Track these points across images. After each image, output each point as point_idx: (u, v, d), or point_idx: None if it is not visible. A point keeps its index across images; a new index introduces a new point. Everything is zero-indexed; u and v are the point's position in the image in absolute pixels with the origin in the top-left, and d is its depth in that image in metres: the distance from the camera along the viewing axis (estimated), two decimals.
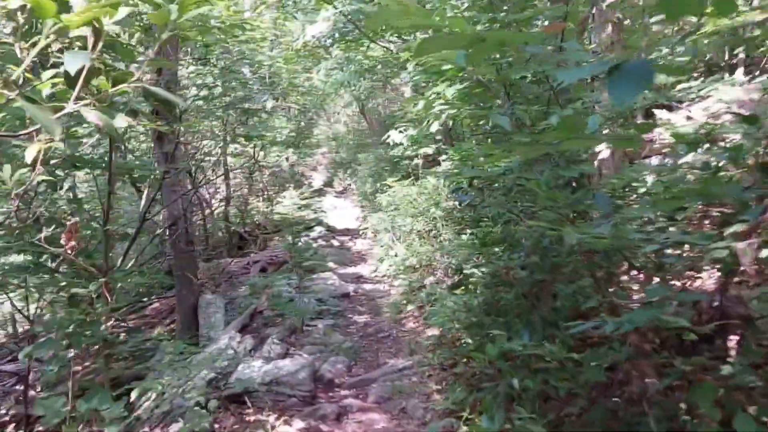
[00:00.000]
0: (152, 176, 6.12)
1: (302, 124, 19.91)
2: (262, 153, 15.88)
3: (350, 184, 22.00)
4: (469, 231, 4.68)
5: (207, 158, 13.19)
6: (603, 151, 5.09)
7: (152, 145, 11.70)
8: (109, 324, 4.78)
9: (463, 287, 3.72)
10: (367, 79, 14.72)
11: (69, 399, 3.42)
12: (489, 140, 5.98)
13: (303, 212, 16.28)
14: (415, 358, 5.55)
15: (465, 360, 3.96)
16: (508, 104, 3.54)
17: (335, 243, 12.32)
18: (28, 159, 1.89)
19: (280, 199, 17.01)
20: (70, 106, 1.79)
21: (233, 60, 8.89)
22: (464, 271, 3.72)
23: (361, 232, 12.75)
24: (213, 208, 12.21)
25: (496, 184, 3.62)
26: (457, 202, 6.62)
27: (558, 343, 2.65)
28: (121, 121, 2.02)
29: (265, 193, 15.64)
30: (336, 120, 25.92)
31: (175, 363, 5.23)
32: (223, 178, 12.68)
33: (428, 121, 7.40)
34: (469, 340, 4.40)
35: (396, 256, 8.85)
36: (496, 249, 3.85)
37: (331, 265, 9.78)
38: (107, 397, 3.21)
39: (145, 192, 7.40)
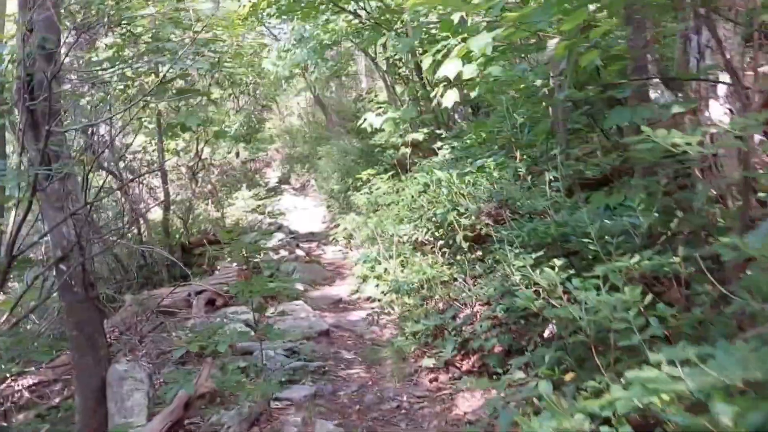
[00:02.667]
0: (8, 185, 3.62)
1: (253, 116, 17.26)
2: (208, 149, 13.25)
3: (309, 180, 19.48)
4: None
5: (134, 155, 10.51)
6: None
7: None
8: None
9: None
10: (326, 58, 12.18)
11: None
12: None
13: (259, 215, 13.75)
14: None
15: None
16: None
17: (300, 252, 9.86)
18: None
19: (233, 201, 14.41)
20: None
21: (156, 23, 6.32)
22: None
23: (331, 238, 10.31)
24: (147, 217, 9.56)
25: None
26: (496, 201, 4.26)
27: None
28: None
29: (215, 195, 12.99)
30: (289, 113, 23.26)
31: None
32: (159, 181, 10.02)
33: (437, 94, 5.06)
34: None
35: (386, 273, 6.51)
36: None
37: (299, 287, 7.35)
38: None
39: (13, 213, 4.80)
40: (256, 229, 11.84)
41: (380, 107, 7.71)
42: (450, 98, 4.71)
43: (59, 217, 4.16)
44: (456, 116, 9.81)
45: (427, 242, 5.80)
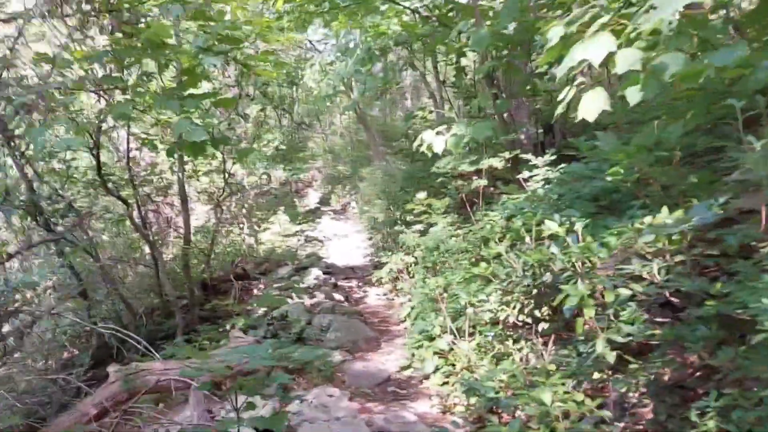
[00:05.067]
0: None
1: (295, 135, 15.56)
2: (243, 170, 11.52)
3: (350, 202, 17.63)
4: None
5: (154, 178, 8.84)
6: None
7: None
8: None
9: None
10: (372, 74, 10.24)
11: None
12: None
13: (294, 240, 11.89)
14: None
15: None
16: None
17: (338, 297, 7.89)
18: None
19: (268, 225, 12.62)
20: None
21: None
22: None
23: (375, 280, 8.31)
24: (160, 251, 7.77)
25: None
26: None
27: None
28: None
29: (248, 221, 11.19)
30: (332, 131, 21.53)
31: None
32: (179, 208, 8.26)
33: (565, 98, 3.01)
34: None
35: (452, 354, 4.46)
36: None
37: (336, 357, 5.35)
38: None
39: None
40: (291, 261, 9.95)
41: (444, 123, 5.70)
42: (592, 104, 2.65)
43: None
44: (522, 138, 7.73)
45: (520, 324, 3.73)
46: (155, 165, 10.28)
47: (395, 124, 17.43)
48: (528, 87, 6.65)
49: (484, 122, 5.29)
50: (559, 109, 2.81)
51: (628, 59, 2.53)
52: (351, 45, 10.57)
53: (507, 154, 5.27)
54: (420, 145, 5.65)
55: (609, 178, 3.04)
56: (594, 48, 2.52)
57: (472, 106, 6.72)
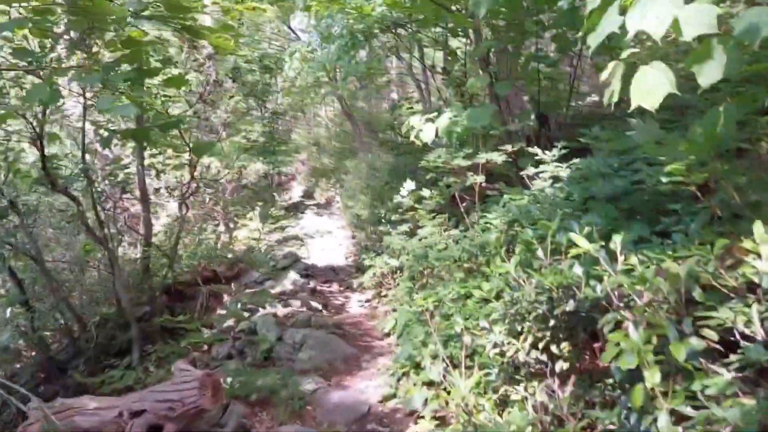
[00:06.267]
0: None
1: (276, 125, 14.61)
2: (218, 163, 10.62)
3: (334, 196, 16.73)
4: None
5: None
6: None
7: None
8: None
9: None
10: (357, 61, 9.32)
11: None
12: None
13: (272, 239, 11.03)
14: None
15: None
16: None
17: (316, 305, 7.03)
18: None
19: (246, 222, 11.73)
20: None
21: None
22: None
23: (356, 286, 7.47)
24: (116, 254, 6.82)
25: None
26: None
27: None
28: None
29: (225, 218, 10.29)
30: (316, 123, 20.55)
31: None
32: (136, 205, 7.33)
33: (611, 75, 2.14)
34: None
35: (443, 389, 3.66)
36: None
37: (308, 384, 4.50)
38: None
39: None
40: (267, 261, 9.07)
41: (434, 111, 4.85)
42: (652, 87, 1.82)
43: None
44: (515, 130, 6.91)
45: (532, 361, 2.91)
46: (120, 159, 9.35)
47: (381, 116, 16.57)
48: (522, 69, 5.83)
49: (481, 108, 4.44)
50: (608, 97, 1.97)
51: (699, 20, 1.69)
52: (334, 31, 9.68)
53: (509, 147, 4.43)
54: (407, 134, 4.80)
55: (665, 179, 2.22)
56: (655, 10, 1.68)
57: (467, 88, 5.88)
